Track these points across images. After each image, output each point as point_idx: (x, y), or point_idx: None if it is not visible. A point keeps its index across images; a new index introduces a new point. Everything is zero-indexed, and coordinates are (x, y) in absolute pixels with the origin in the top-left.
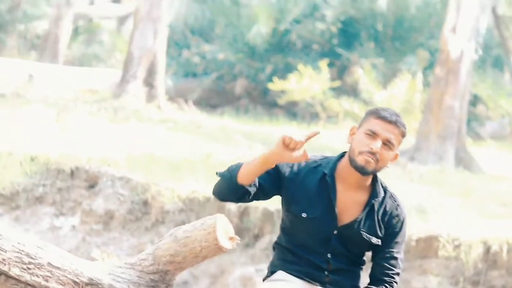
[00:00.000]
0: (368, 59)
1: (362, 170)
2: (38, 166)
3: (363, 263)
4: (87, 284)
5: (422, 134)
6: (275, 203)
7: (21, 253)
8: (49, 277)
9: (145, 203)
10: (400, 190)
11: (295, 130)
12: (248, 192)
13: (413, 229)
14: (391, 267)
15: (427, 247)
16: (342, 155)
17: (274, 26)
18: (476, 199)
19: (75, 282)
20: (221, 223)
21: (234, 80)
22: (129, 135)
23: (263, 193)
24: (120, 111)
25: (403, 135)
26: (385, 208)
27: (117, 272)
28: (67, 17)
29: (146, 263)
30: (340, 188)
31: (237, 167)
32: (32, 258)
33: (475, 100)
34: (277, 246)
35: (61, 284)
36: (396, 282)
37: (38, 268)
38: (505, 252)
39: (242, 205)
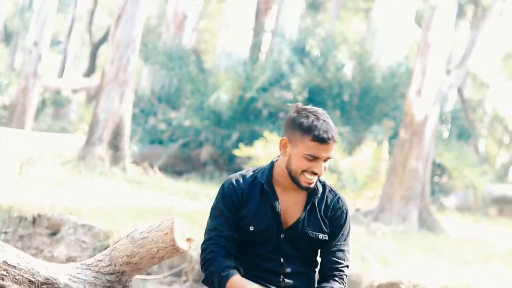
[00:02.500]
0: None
1: (307, 189)
2: (0, 214)
3: (316, 264)
4: (42, 284)
5: (386, 195)
6: None
7: None
8: (5, 275)
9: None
10: (363, 244)
11: None
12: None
13: (374, 276)
14: (339, 260)
15: None
16: (275, 162)
17: (240, 94)
18: (438, 255)
19: (30, 282)
20: (178, 224)
21: (200, 147)
22: (93, 188)
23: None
24: (85, 172)
25: (336, 141)
26: (326, 202)
27: (73, 272)
28: (35, 88)
29: (103, 264)
30: (279, 192)
31: (221, 283)
32: None
33: (440, 170)
34: None
35: (17, 283)
36: (346, 275)
37: None
38: None
39: None
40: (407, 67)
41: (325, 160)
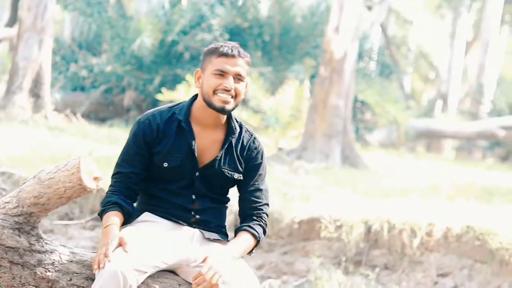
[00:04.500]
0: (255, 68)
1: (222, 111)
2: None
3: (227, 200)
4: None
5: (308, 133)
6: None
7: None
8: None
9: None
10: (284, 181)
11: None
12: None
13: (295, 213)
14: (257, 199)
15: (310, 229)
16: (194, 99)
17: (162, 38)
18: (359, 190)
19: None
20: (85, 164)
21: (123, 92)
22: (12, 138)
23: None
24: (6, 121)
25: (248, 63)
26: (242, 142)
27: None
28: None
29: (10, 206)
30: (197, 130)
31: (102, 216)
32: None
33: (362, 107)
34: (140, 192)
35: None
36: (266, 213)
37: None
38: (386, 231)
39: None
40: (326, 6)
41: (235, 78)
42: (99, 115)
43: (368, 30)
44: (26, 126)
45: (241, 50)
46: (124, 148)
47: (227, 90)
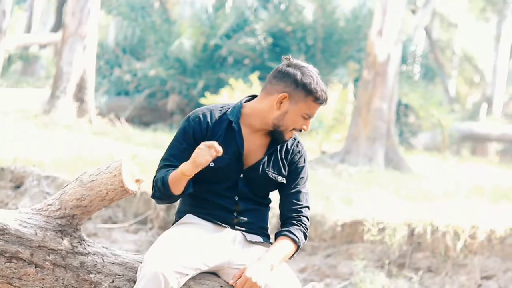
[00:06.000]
0: None
1: (284, 142)
2: None
3: (269, 202)
4: None
5: (351, 136)
6: None
7: None
8: None
9: None
10: (328, 185)
11: None
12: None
13: (338, 215)
14: (298, 202)
15: (353, 231)
16: (247, 100)
17: (205, 42)
18: (403, 193)
19: None
20: (127, 166)
21: (166, 96)
22: (56, 142)
23: None
24: (50, 126)
25: None
26: (286, 146)
27: (23, 217)
28: (0, 45)
29: (53, 208)
30: (245, 132)
31: (165, 182)
32: None
33: (406, 110)
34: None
35: None
36: (306, 217)
37: None
38: (429, 234)
39: None
40: (369, 8)
41: None
42: (143, 119)
43: (412, 33)
44: (70, 131)
45: (327, 94)
46: (171, 143)
47: (300, 130)
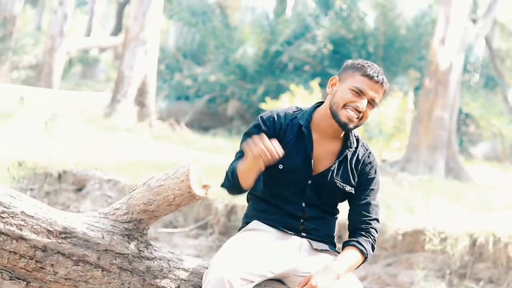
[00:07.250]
0: None
1: (344, 127)
2: (25, 171)
3: (337, 212)
4: (61, 233)
5: (412, 145)
6: None
7: None
8: (23, 225)
9: None
10: (388, 193)
11: None
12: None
13: (399, 224)
14: (368, 214)
15: (414, 241)
16: (318, 105)
17: (265, 48)
18: (464, 203)
19: (49, 231)
20: (194, 172)
21: (226, 102)
22: (117, 146)
23: None
24: (111, 129)
25: (385, 92)
26: (357, 156)
27: (91, 221)
28: (61, 48)
29: (120, 212)
30: (316, 138)
31: (234, 173)
32: (5, 207)
33: (466, 119)
34: (251, 197)
35: (35, 233)
36: (375, 229)
37: (12, 217)
38: (491, 245)
39: (229, 204)
40: (431, 17)
41: (369, 102)
42: (203, 124)
43: (472, 42)
44: (130, 134)
45: (385, 78)
46: (244, 138)
47: (357, 110)
